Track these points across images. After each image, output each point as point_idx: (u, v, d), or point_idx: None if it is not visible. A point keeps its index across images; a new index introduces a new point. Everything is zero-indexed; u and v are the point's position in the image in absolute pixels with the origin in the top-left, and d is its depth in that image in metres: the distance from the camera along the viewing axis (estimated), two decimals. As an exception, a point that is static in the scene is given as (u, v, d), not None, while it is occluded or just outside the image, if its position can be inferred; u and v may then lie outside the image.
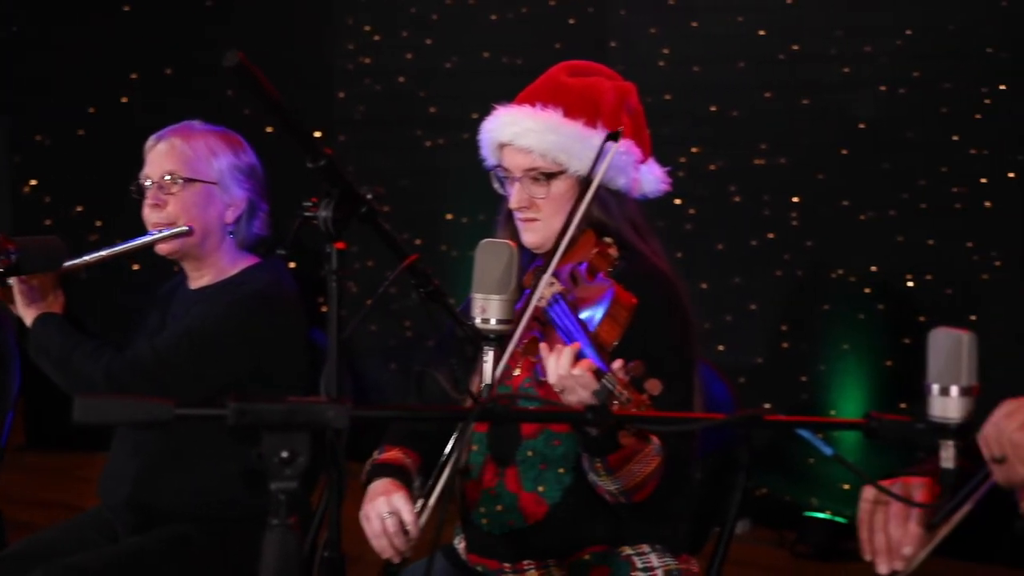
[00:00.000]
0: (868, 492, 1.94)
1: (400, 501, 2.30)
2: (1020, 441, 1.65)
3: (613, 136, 2.32)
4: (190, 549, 2.74)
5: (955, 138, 4.52)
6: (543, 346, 2.14)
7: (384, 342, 5.68)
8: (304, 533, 2.76)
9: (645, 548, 2.42)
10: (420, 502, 2.30)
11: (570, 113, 2.39)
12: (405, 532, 2.28)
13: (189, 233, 2.82)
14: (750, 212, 4.89)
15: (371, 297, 2.00)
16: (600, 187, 2.34)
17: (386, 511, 2.30)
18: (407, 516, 2.28)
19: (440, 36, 5.54)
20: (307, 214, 1.86)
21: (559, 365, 2.07)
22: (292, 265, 3.06)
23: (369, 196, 1.89)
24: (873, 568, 1.90)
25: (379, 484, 2.37)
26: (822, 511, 4.71)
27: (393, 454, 2.47)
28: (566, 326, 2.15)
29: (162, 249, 2.84)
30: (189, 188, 2.81)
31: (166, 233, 2.81)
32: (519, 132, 2.41)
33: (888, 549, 1.88)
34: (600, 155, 2.31)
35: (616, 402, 1.94)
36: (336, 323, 1.86)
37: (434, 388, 2.36)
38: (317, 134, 5.38)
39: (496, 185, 2.51)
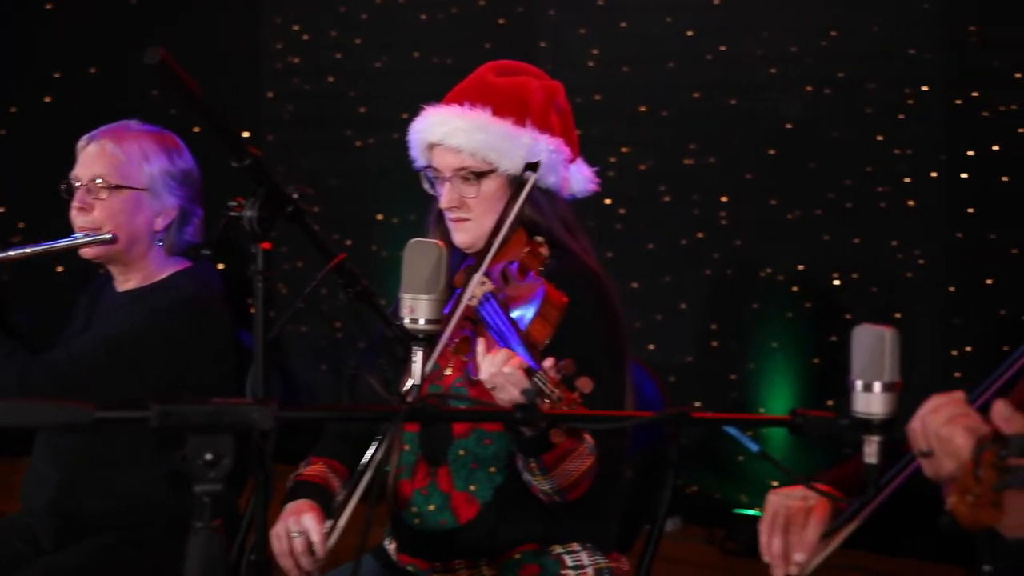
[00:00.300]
0: (771, 497, 1.98)
1: (309, 521, 2.30)
2: (946, 435, 1.67)
3: (532, 166, 2.33)
4: (114, 557, 2.70)
5: (879, 138, 4.58)
6: (480, 341, 2.14)
7: (314, 343, 5.64)
8: (232, 536, 2.73)
9: (576, 547, 2.43)
10: (329, 523, 2.30)
11: (499, 112, 2.39)
12: (313, 552, 2.28)
13: (113, 241, 2.76)
14: (679, 211, 4.91)
15: (300, 298, 1.98)
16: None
17: (295, 531, 2.29)
18: (315, 536, 2.28)
19: (369, 35, 5.51)
20: (232, 214, 1.84)
21: (492, 363, 2.08)
22: (221, 266, 3.02)
23: (295, 196, 1.88)
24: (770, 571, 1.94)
25: (293, 504, 2.37)
26: (751, 508, 4.75)
27: (316, 469, 2.47)
28: (497, 325, 2.16)
29: (86, 253, 2.79)
30: (117, 195, 2.75)
31: (89, 239, 2.75)
32: (448, 132, 2.41)
33: (784, 554, 1.92)
34: (522, 184, 2.32)
35: (547, 400, 1.95)
36: (263, 324, 1.84)
37: (367, 391, 2.35)
38: (246, 134, 5.33)
39: (426, 186, 2.50)
